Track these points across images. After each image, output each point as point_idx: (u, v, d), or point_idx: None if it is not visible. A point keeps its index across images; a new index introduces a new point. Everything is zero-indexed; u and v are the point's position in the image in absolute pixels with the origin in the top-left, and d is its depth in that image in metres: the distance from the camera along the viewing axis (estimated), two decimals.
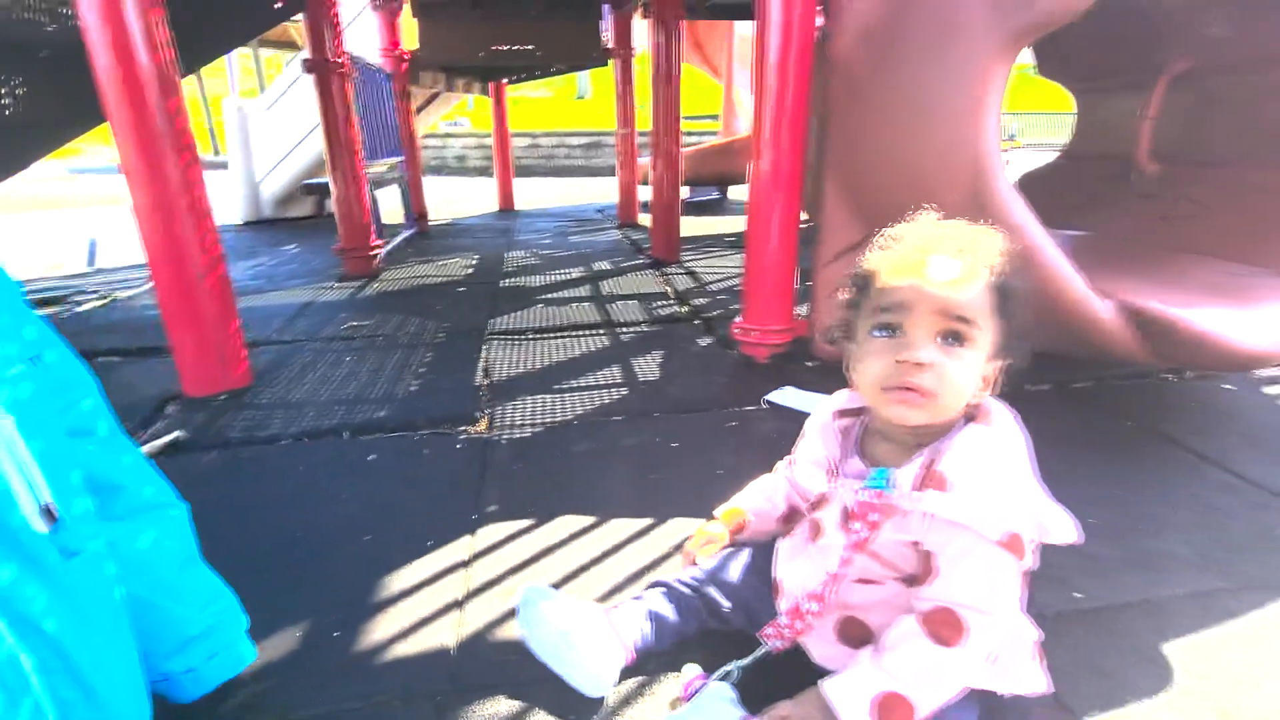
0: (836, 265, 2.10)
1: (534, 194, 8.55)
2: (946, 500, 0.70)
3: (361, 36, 5.21)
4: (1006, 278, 0.74)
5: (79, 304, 3.17)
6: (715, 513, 1.12)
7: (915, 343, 0.74)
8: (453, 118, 16.89)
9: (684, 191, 6.58)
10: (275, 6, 3.05)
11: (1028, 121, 17.69)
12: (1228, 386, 2.03)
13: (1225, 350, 1.54)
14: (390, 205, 5.32)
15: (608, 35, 5.46)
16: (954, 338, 0.73)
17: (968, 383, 0.74)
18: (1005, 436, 0.75)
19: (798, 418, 1.85)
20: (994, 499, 0.70)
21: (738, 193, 7.70)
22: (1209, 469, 1.58)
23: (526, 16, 5.05)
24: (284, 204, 6.07)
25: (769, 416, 1.87)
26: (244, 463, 1.62)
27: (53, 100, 2.61)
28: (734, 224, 5.68)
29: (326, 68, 3.27)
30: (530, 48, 5.18)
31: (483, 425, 1.83)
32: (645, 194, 4.76)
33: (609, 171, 9.68)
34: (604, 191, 8.63)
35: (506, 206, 7.03)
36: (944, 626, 0.70)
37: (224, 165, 6.18)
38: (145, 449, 1.63)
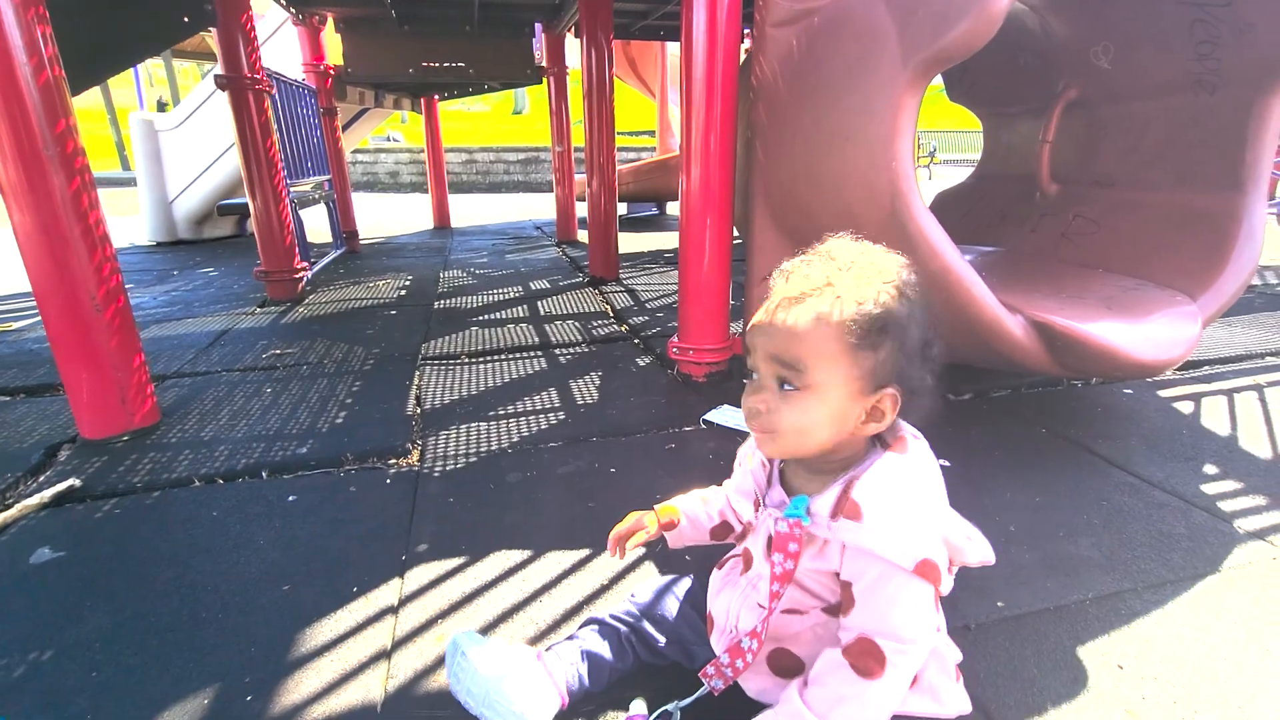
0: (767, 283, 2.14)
1: (470, 211, 8.42)
2: (859, 529, 0.71)
3: (282, 51, 5.03)
4: (879, 312, 0.72)
5: None
6: (654, 508, 1.11)
7: (761, 385, 0.77)
8: (384, 132, 16.48)
9: (621, 208, 6.63)
10: (183, 20, 2.90)
11: (945, 139, 18.77)
12: (1127, 392, 2.18)
13: (1123, 361, 1.65)
14: (318, 225, 5.13)
15: (540, 53, 5.46)
16: (786, 382, 0.74)
17: (808, 423, 0.74)
18: (918, 463, 0.76)
19: (735, 437, 1.87)
20: (905, 526, 0.70)
21: (675, 208, 7.81)
22: (1113, 472, 1.68)
23: (457, 34, 4.99)
24: (200, 224, 5.75)
25: (707, 436, 1.88)
26: (147, 510, 1.50)
27: None
28: (672, 240, 5.75)
29: (242, 84, 3.13)
30: (461, 65, 5.12)
31: (414, 457, 1.76)
32: (584, 210, 4.76)
33: (547, 188, 9.64)
34: (542, 208, 8.60)
35: (442, 224, 6.90)
36: (865, 657, 0.70)
37: (132, 181, 5.81)
38: (32, 499, 1.48)
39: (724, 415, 1.99)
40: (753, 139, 2.10)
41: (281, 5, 4.29)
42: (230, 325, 3.04)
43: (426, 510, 1.49)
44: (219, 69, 3.12)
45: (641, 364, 2.52)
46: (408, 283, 4.03)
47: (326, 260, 4.49)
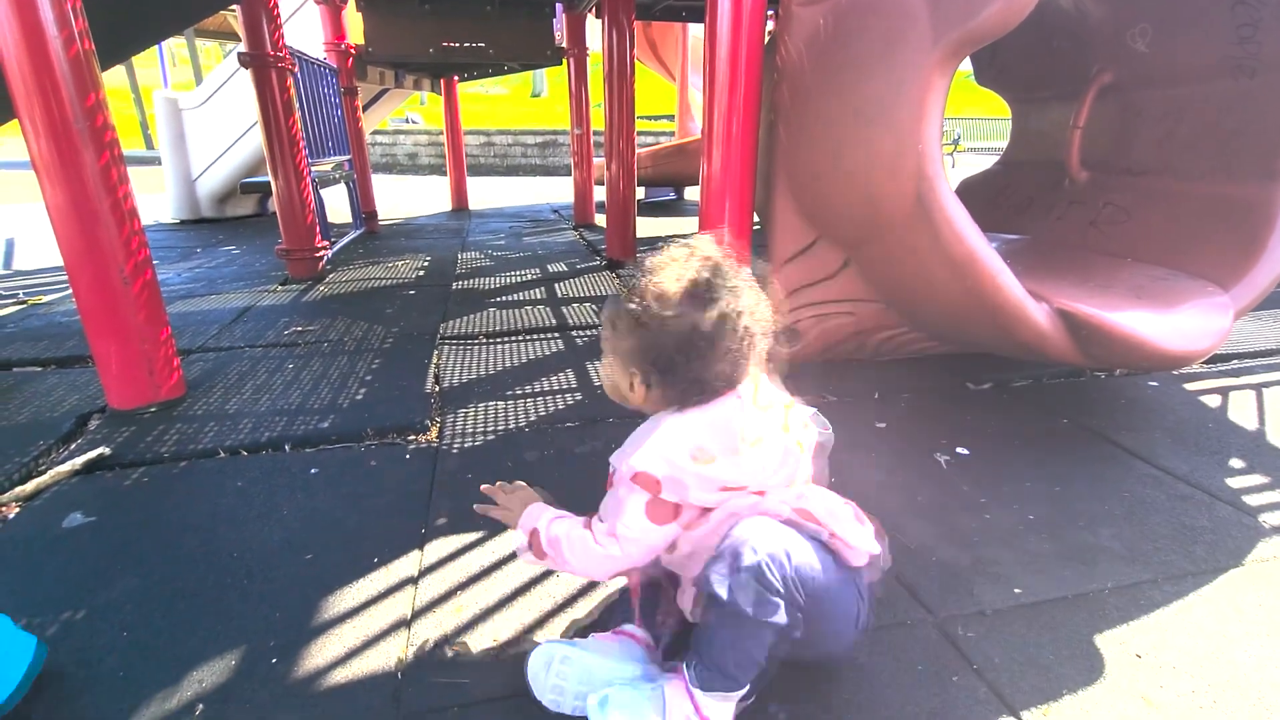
0: (790, 268, 2.12)
1: (488, 193, 8.42)
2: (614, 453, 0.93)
3: (304, 30, 5.04)
4: (630, 311, 0.88)
5: None
6: None
7: None
8: (403, 114, 16.48)
9: (640, 192, 6.59)
10: None
11: (970, 126, 18.38)
12: (1153, 384, 2.14)
13: (1150, 351, 1.62)
14: (338, 204, 5.16)
15: (561, 34, 5.41)
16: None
17: (607, 384, 1.02)
18: (680, 420, 0.89)
19: None
20: (634, 448, 0.88)
21: (693, 193, 7.76)
22: (1136, 463, 1.66)
23: (478, 14, 4.96)
24: (223, 202, 5.81)
25: None
26: (174, 480, 1.53)
27: None
28: (689, 225, 5.72)
29: (265, 62, 3.14)
30: (482, 45, 5.10)
31: (433, 434, 1.78)
32: (602, 194, 4.74)
33: (565, 171, 9.59)
34: (560, 191, 8.58)
35: (460, 206, 6.91)
36: (589, 525, 0.93)
37: (157, 160, 5.88)
38: (64, 466, 1.53)
39: None
40: (775, 121, 2.07)
41: None
42: (253, 302, 3.08)
43: (445, 485, 1.51)
44: (242, 46, 3.14)
45: None
46: (426, 263, 4.05)
47: (346, 240, 4.52)
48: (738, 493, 0.88)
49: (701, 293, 0.87)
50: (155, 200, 6.25)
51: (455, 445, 1.71)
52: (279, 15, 3.18)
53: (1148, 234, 2.14)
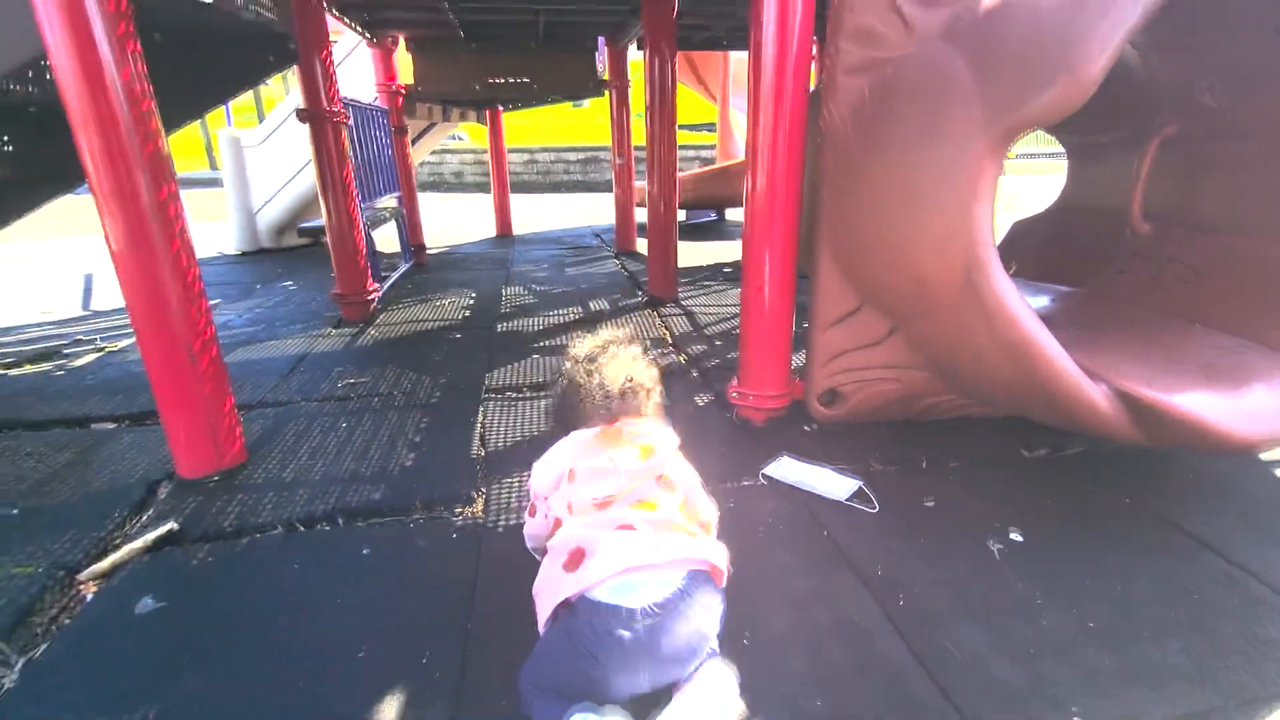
0: (834, 332, 2.09)
1: (532, 214, 8.56)
2: None
3: (355, 72, 5.24)
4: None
5: (72, 357, 3.17)
6: None
7: None
8: (451, 131, 16.90)
9: (681, 215, 6.60)
10: (269, 59, 3.05)
11: None
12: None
13: (1219, 439, 1.54)
14: (389, 234, 5.32)
15: (603, 66, 5.48)
16: None
17: None
18: (557, 446, 1.35)
19: (795, 496, 1.85)
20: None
21: (735, 214, 7.72)
22: (1205, 556, 1.57)
23: (522, 50, 5.07)
24: (280, 234, 6.08)
25: (767, 494, 1.87)
26: (235, 559, 1.61)
27: (39, 158, 2.61)
28: (731, 250, 5.69)
29: (321, 117, 3.27)
30: (526, 80, 5.20)
31: (478, 507, 1.82)
32: (643, 215, 4.74)
33: (606, 187, 9.66)
34: (601, 209, 8.65)
35: (504, 232, 7.04)
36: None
37: (219, 182, 6.19)
38: (137, 543, 1.62)
39: (785, 469, 1.97)
40: (819, 184, 2.05)
41: (356, 30, 4.46)
42: (308, 349, 3.20)
43: (490, 572, 1.54)
44: (300, 103, 3.28)
45: (700, 403, 2.51)
46: (471, 300, 4.14)
47: (396, 275, 4.67)
48: (554, 495, 1.27)
49: (572, 363, 1.40)
50: (218, 227, 6.57)
51: (500, 523, 1.75)
52: (334, 72, 3.32)
53: (1218, 297, 2.03)
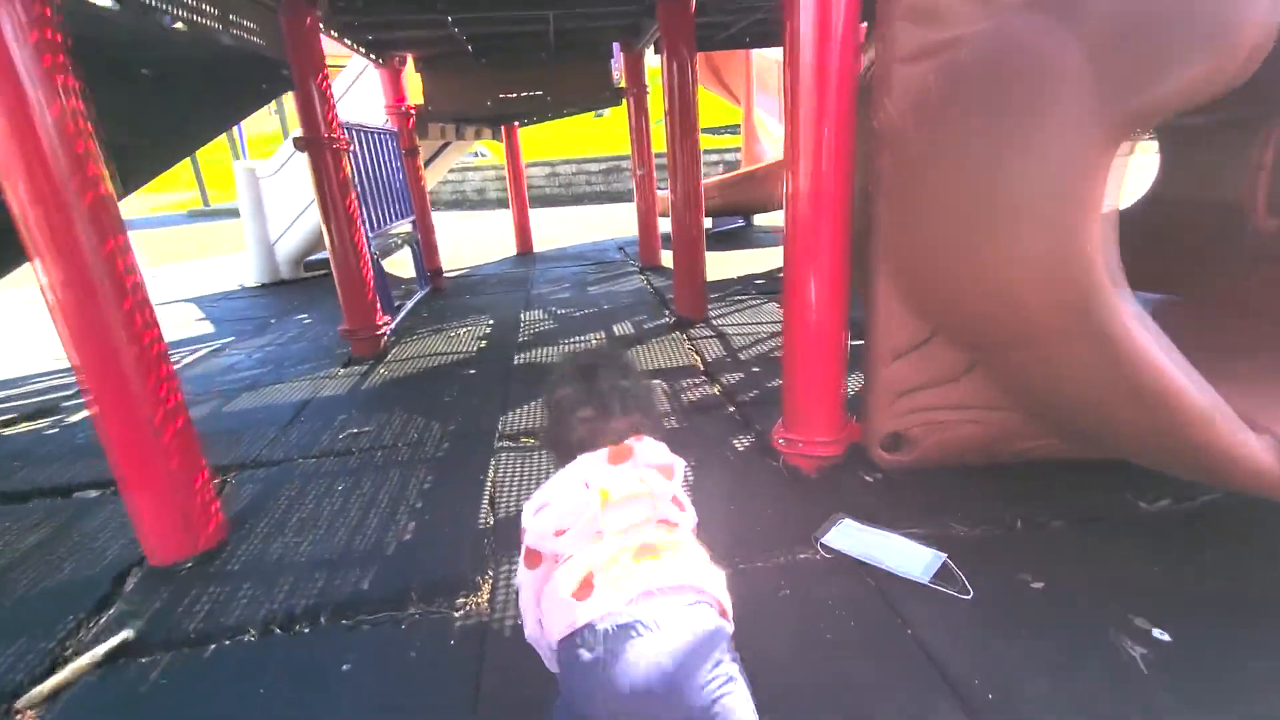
0: (898, 366, 1.76)
1: (553, 229, 8.35)
2: None
3: (364, 96, 5.08)
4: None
5: (70, 410, 3.01)
6: None
7: None
8: (472, 149, 16.88)
9: (707, 222, 6.29)
10: (262, 87, 2.87)
11: None
12: None
13: None
14: (405, 259, 5.13)
15: (619, 74, 5.22)
16: None
17: None
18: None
19: (863, 575, 1.52)
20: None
21: (764, 219, 7.38)
22: None
23: (534, 62, 4.84)
24: (298, 263, 5.96)
25: (828, 572, 1.54)
26: (197, 676, 1.35)
27: None
28: (762, 260, 5.35)
29: (320, 144, 3.07)
30: (539, 93, 4.98)
31: (484, 595, 1.54)
32: (667, 225, 4.43)
33: (629, 196, 9.42)
34: (624, 220, 8.38)
35: (525, 250, 6.83)
36: None
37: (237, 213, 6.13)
38: (85, 659, 1.38)
39: (847, 537, 1.64)
40: (874, 194, 1.73)
41: (361, 53, 4.28)
42: (313, 393, 2.99)
43: (493, 690, 1.26)
44: (298, 130, 3.09)
45: (740, 446, 2.20)
46: (488, 329, 3.90)
47: (411, 303, 4.46)
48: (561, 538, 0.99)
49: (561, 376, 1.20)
50: (241, 260, 6.49)
51: (508, 618, 1.46)
52: (332, 96, 3.12)
53: None
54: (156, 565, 1.69)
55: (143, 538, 1.67)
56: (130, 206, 15.29)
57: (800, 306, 1.83)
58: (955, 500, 1.77)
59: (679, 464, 1.11)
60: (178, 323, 4.68)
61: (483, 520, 1.86)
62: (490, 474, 2.12)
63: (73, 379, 3.64)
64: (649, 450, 1.09)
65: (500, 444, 2.33)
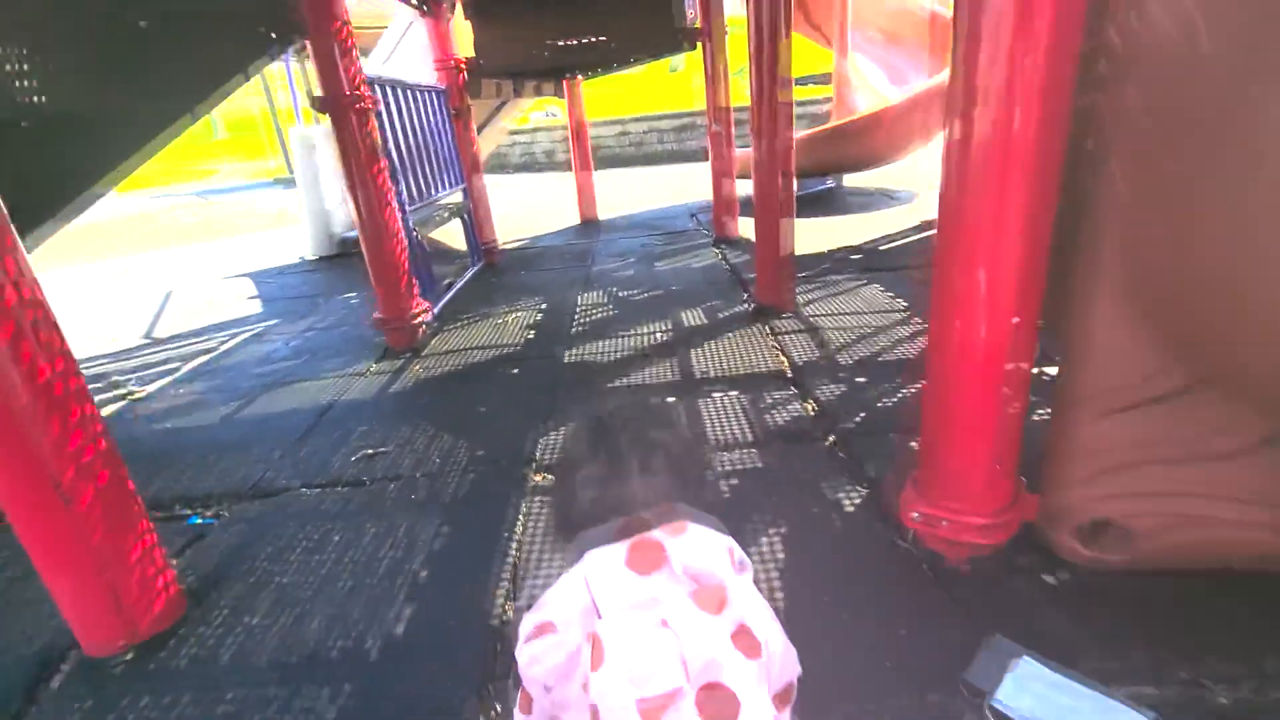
0: (1122, 421, 1.14)
1: (621, 194, 7.76)
2: None
3: (412, 56, 4.63)
4: None
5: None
6: None
7: None
8: (544, 106, 16.30)
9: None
10: (269, 36, 2.44)
11: None
12: None
13: None
14: (456, 232, 4.73)
15: (694, 13, 4.51)
16: None
17: None
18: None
19: None
20: None
21: (855, 180, 6.51)
22: None
23: (595, 4, 4.22)
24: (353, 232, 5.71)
25: None
26: None
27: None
28: (856, 230, 4.60)
29: (342, 103, 2.63)
30: (602, 39, 4.37)
31: None
32: (745, 188, 3.76)
33: (702, 155, 8.70)
34: (698, 182, 7.67)
35: (589, 217, 6.32)
36: None
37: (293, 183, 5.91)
38: None
39: (1024, 692, 1.06)
40: (1104, 154, 1.08)
41: (405, 0, 3.81)
42: (339, 394, 2.63)
43: None
44: (317, 90, 2.65)
45: (845, 503, 1.62)
46: (539, 315, 3.43)
47: (461, 282, 4.06)
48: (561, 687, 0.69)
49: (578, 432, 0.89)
50: (297, 232, 6.32)
51: None
52: (354, 48, 2.65)
53: None
54: (90, 656, 1.33)
55: (73, 624, 1.31)
56: (224, 175, 15.81)
57: (958, 315, 1.21)
58: (1207, 632, 1.14)
59: (741, 573, 0.72)
60: (230, 301, 4.50)
61: (498, 608, 1.39)
62: (518, 529, 1.65)
63: (111, 365, 3.49)
64: (690, 547, 0.70)
65: (533, 480, 1.86)
